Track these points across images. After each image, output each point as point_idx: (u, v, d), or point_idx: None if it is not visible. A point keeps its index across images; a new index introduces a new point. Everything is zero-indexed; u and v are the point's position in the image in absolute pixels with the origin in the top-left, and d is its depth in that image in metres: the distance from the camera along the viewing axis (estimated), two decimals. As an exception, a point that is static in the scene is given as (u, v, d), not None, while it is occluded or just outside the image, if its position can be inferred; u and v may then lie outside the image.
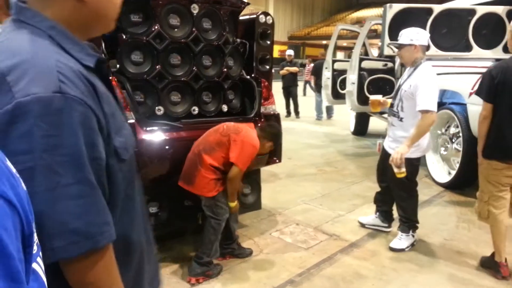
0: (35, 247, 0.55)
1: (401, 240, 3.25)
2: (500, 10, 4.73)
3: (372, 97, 3.57)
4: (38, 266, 0.56)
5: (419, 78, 2.98)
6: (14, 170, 0.53)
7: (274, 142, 2.87)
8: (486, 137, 2.76)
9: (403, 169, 2.97)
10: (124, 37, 2.72)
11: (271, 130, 2.90)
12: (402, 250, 3.20)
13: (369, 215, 3.73)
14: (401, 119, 3.13)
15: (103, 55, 2.60)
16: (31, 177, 0.68)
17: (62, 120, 0.71)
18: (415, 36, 3.05)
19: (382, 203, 3.54)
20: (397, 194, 3.31)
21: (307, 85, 15.97)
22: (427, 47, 3.16)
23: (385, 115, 5.24)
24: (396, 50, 3.27)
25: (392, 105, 3.26)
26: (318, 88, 9.77)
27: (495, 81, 2.68)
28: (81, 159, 0.73)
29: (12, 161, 0.67)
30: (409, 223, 3.27)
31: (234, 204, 2.76)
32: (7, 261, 0.45)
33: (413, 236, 3.27)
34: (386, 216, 3.55)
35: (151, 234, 1.06)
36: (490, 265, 2.90)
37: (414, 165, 3.14)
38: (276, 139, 2.90)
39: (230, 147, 2.62)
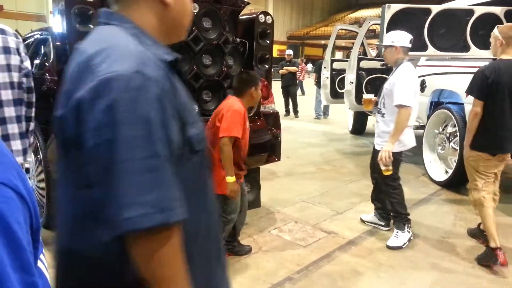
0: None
1: (398, 238, 3.28)
2: (498, 10, 4.76)
3: (365, 96, 3.76)
4: (42, 263, 0.56)
5: (397, 76, 3.15)
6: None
7: (254, 85, 2.73)
8: (476, 132, 2.93)
9: (390, 167, 3.14)
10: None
11: (240, 79, 2.77)
12: (399, 247, 3.23)
13: (367, 213, 3.78)
14: (383, 115, 3.29)
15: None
16: (110, 149, 0.72)
17: (140, 97, 0.74)
18: (396, 38, 3.24)
19: (376, 201, 3.63)
20: (383, 190, 3.43)
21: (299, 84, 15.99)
22: (409, 48, 3.29)
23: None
24: None
25: (377, 103, 3.46)
26: (320, 86, 9.80)
27: (488, 80, 2.83)
28: (156, 135, 0.75)
29: (93, 135, 0.72)
30: (401, 217, 3.33)
31: (232, 179, 2.61)
32: (20, 253, 0.46)
33: (409, 232, 3.31)
34: (382, 215, 3.60)
35: (221, 241, 1.05)
36: (487, 259, 2.93)
37: (396, 159, 3.23)
38: (253, 80, 2.75)
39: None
